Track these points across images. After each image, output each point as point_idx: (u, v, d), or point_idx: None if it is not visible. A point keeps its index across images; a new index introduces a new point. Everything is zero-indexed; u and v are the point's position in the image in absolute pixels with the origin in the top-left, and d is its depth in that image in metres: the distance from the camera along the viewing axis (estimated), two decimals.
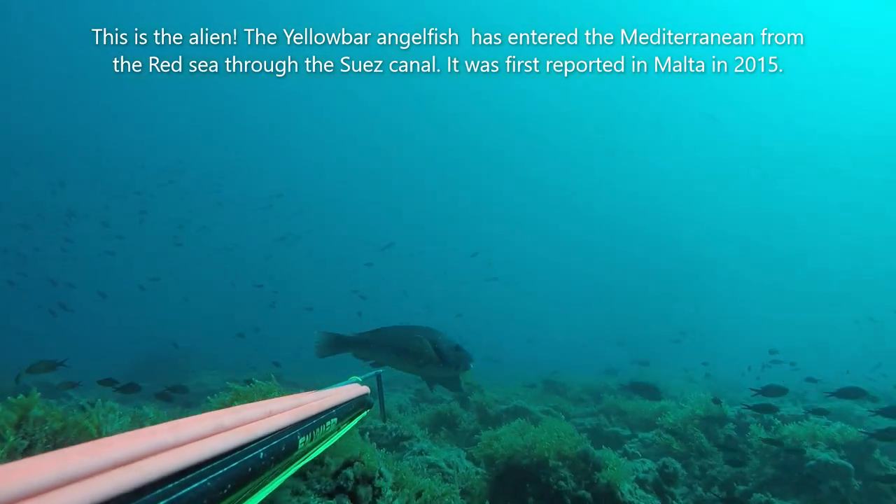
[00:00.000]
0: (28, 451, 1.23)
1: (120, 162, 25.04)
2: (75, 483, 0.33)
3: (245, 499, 0.47)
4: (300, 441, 0.55)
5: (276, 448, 0.50)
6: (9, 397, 1.26)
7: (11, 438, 1.20)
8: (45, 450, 1.25)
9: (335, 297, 21.81)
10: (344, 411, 0.70)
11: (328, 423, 0.63)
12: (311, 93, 29.98)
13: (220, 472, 0.43)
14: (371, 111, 30.88)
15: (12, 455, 1.19)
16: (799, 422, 3.82)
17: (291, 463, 0.55)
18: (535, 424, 2.91)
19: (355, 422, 0.79)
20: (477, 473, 2.96)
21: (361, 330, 3.23)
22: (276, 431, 0.52)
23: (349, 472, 1.51)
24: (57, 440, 1.27)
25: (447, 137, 33.18)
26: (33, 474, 0.31)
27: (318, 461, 1.45)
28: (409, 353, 2.98)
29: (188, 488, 0.39)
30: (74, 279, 15.41)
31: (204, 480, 0.41)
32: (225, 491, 0.42)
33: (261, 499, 0.50)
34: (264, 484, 0.50)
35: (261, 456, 0.48)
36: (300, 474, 1.42)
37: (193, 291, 21.58)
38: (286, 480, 1.36)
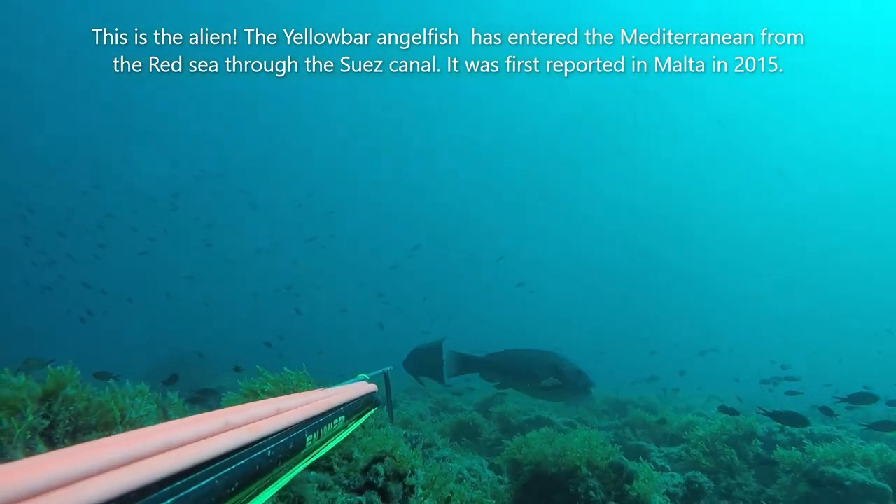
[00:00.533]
0: (47, 433, 1.17)
1: (147, 167, 25.20)
2: (81, 481, 0.32)
3: (252, 497, 0.46)
4: (308, 439, 0.55)
5: (284, 446, 0.50)
6: (48, 366, 1.22)
7: (31, 417, 1.13)
8: (66, 433, 1.21)
9: (354, 301, 21.85)
10: (352, 409, 0.70)
11: (336, 421, 0.63)
12: (323, 97, 30.08)
13: (228, 469, 0.42)
14: (382, 113, 30.93)
15: (32, 433, 1.13)
16: (832, 441, 3.68)
17: (299, 461, 0.54)
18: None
19: (363, 419, 0.79)
20: (500, 482, 2.93)
21: (486, 351, 3.37)
22: (285, 429, 0.51)
23: (380, 467, 1.42)
24: (78, 422, 1.22)
25: (464, 141, 33.14)
26: (38, 473, 0.31)
27: (347, 456, 1.41)
28: (536, 378, 3.04)
29: (196, 486, 0.38)
30: (105, 284, 15.47)
31: (212, 478, 0.40)
32: (233, 489, 0.42)
33: (267, 497, 0.49)
34: (272, 482, 0.49)
35: (268, 454, 0.47)
36: (327, 468, 1.38)
37: (217, 296, 21.74)
38: (304, 475, 1.34)
